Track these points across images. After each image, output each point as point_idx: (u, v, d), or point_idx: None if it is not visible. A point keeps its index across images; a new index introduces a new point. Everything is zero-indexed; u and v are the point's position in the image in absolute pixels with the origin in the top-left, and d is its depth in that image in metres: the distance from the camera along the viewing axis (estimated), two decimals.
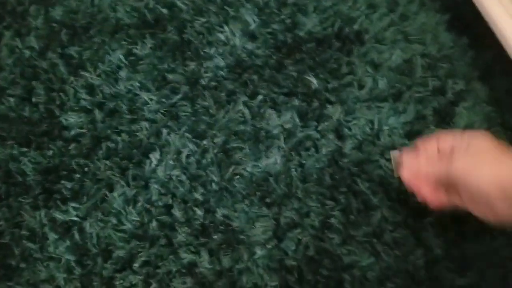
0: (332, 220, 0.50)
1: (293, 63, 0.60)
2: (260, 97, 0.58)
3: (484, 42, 0.51)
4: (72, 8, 0.70)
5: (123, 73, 0.63)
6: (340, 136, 0.54)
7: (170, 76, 0.62)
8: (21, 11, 0.71)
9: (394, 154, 0.44)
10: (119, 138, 0.57)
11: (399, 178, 0.44)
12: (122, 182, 0.53)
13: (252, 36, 0.63)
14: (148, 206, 0.50)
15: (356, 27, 0.61)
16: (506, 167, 0.34)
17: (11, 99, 0.62)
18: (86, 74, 0.63)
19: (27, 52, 0.66)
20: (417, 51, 0.59)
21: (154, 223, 0.50)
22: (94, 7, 0.70)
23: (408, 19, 0.61)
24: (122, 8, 0.69)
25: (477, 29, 0.52)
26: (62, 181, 0.54)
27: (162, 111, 0.59)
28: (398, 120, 0.55)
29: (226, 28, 0.64)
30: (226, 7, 0.66)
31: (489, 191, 0.33)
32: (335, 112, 0.56)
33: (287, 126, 0.54)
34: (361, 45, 0.60)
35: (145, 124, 0.58)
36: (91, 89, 0.62)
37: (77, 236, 0.51)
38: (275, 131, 0.54)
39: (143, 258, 0.49)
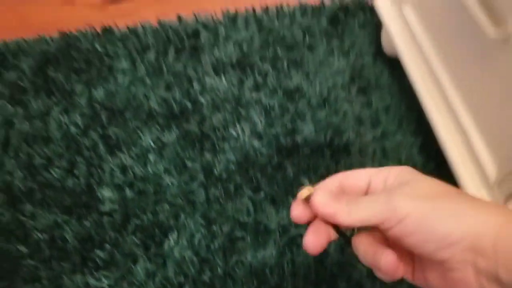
0: None
1: (291, 164, 0.74)
2: (262, 193, 0.71)
3: (448, 170, 0.64)
4: (111, 91, 0.84)
5: (151, 157, 0.76)
6: None
7: (189, 164, 0.75)
8: (69, 90, 0.85)
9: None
10: (145, 217, 0.70)
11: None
12: (145, 257, 0.66)
13: (259, 136, 0.77)
14: (164, 282, 0.63)
15: (344, 139, 0.75)
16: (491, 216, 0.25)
17: (57, 170, 0.75)
18: (120, 154, 0.76)
19: (72, 128, 0.80)
20: None
21: None
22: (130, 93, 0.84)
23: (388, 136, 0.75)
24: (154, 97, 0.83)
25: (442, 158, 0.66)
26: (96, 251, 0.67)
27: (181, 196, 0.72)
28: None
29: (238, 126, 0.78)
30: (239, 107, 0.80)
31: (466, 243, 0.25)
32: None
33: (283, 222, 0.68)
34: (348, 155, 0.74)
35: (166, 206, 0.71)
36: (124, 169, 0.75)
37: None
38: (273, 226, 0.67)
39: None
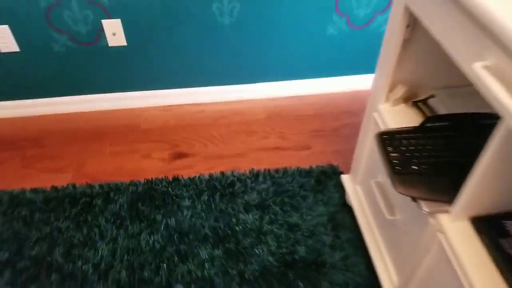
0: None
1: (292, 274, 1.22)
2: None
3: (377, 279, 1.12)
4: (180, 221, 1.35)
5: (206, 265, 1.25)
6: None
7: (230, 270, 1.23)
8: (152, 218, 1.36)
9: None
10: None
11: None
12: None
13: (272, 254, 1.27)
14: None
15: (323, 258, 1.25)
16: None
17: (148, 272, 1.23)
18: (187, 262, 1.25)
19: (156, 244, 1.29)
20: None
21: None
22: (192, 222, 1.35)
23: (349, 257, 1.25)
24: (207, 226, 1.34)
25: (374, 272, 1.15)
26: None
27: None
28: None
29: (259, 246, 1.28)
30: (260, 235, 1.31)
31: None
32: None
33: None
34: (323, 268, 1.23)
35: None
36: (189, 272, 1.23)
37: None
38: None
39: None
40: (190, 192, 1.43)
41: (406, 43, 0.93)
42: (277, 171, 1.49)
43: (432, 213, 0.79)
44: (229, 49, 1.63)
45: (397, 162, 0.84)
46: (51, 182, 1.45)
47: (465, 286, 0.70)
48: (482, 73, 0.59)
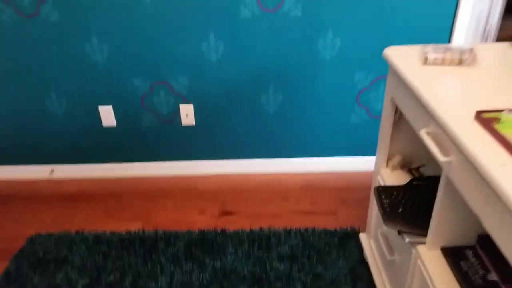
0: None
1: None
2: None
3: None
4: (225, 264, 1.65)
5: None
6: None
7: None
8: (202, 260, 1.68)
9: None
10: None
11: None
12: None
13: None
14: None
15: None
16: None
17: None
18: None
19: (207, 277, 1.59)
20: None
21: None
22: (235, 264, 1.65)
23: None
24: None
25: None
26: None
27: None
28: None
29: None
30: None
31: None
32: None
33: None
34: None
35: None
36: None
37: None
38: None
39: None
40: (234, 242, 1.74)
41: (396, 124, 1.28)
42: (306, 230, 1.78)
43: (412, 243, 1.07)
44: (272, 130, 2.05)
45: (387, 206, 1.14)
46: (126, 228, 1.83)
47: None
48: (426, 137, 0.93)
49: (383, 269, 1.39)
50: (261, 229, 1.80)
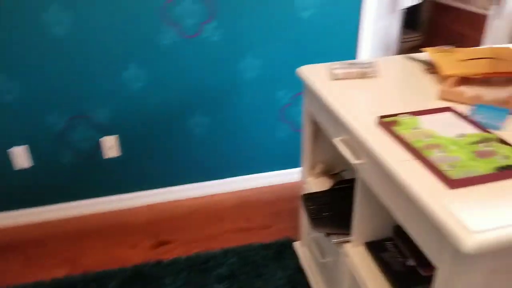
0: None
1: None
2: None
3: None
4: None
5: None
6: None
7: None
8: None
9: None
10: None
11: None
12: None
13: None
14: None
15: None
16: None
17: None
18: None
19: None
20: None
21: None
22: None
23: None
24: None
25: None
26: None
27: None
28: None
29: None
30: None
31: None
32: None
33: None
34: None
35: None
36: None
37: None
38: None
39: None
40: (171, 272, 1.72)
41: (316, 135, 1.38)
42: (243, 247, 1.82)
43: (339, 243, 1.15)
44: (201, 153, 2.07)
45: (313, 211, 1.22)
46: (52, 275, 1.72)
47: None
48: (339, 144, 1.02)
49: (318, 272, 1.47)
50: (197, 254, 1.80)
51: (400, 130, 0.89)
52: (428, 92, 1.11)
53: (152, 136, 1.98)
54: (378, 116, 0.94)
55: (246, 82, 1.95)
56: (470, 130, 0.90)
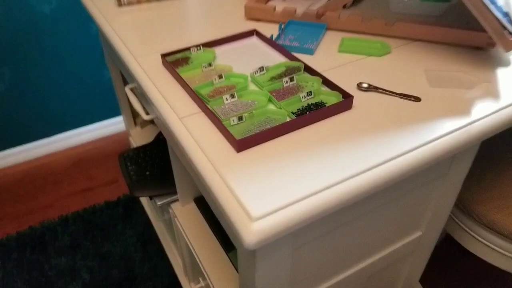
0: None
1: None
2: None
3: None
4: None
5: None
6: None
7: None
8: None
9: None
10: None
11: None
12: None
13: None
14: None
15: None
16: None
17: None
18: None
19: None
20: None
21: None
22: None
23: None
24: None
25: None
26: None
27: None
28: None
29: None
30: None
31: None
32: None
33: None
34: None
35: None
36: None
37: None
38: None
39: None
40: None
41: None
42: (86, 210, 1.58)
43: (165, 204, 0.99)
44: (13, 111, 1.69)
45: (133, 173, 1.02)
46: None
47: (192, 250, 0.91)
48: (130, 94, 0.80)
49: (164, 228, 1.32)
50: (30, 228, 1.52)
51: (188, 71, 0.70)
52: (234, 12, 0.92)
53: None
54: (161, 55, 0.72)
55: (45, 16, 1.55)
56: (275, 59, 0.75)
